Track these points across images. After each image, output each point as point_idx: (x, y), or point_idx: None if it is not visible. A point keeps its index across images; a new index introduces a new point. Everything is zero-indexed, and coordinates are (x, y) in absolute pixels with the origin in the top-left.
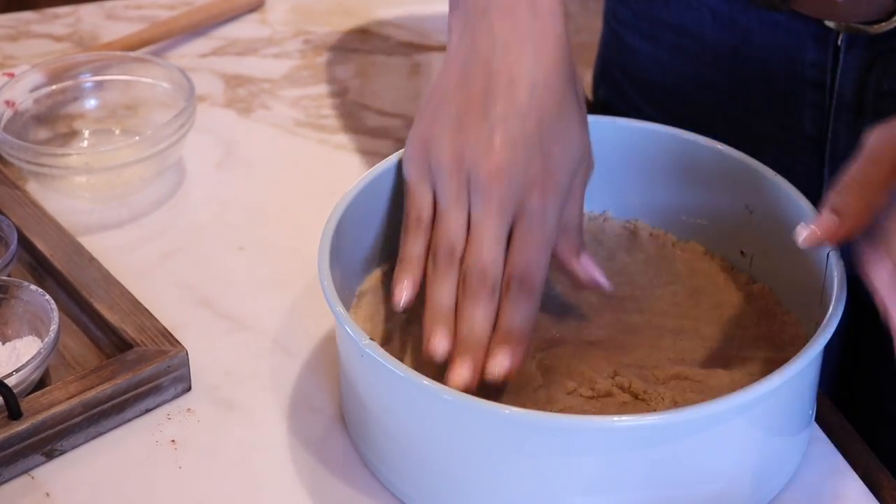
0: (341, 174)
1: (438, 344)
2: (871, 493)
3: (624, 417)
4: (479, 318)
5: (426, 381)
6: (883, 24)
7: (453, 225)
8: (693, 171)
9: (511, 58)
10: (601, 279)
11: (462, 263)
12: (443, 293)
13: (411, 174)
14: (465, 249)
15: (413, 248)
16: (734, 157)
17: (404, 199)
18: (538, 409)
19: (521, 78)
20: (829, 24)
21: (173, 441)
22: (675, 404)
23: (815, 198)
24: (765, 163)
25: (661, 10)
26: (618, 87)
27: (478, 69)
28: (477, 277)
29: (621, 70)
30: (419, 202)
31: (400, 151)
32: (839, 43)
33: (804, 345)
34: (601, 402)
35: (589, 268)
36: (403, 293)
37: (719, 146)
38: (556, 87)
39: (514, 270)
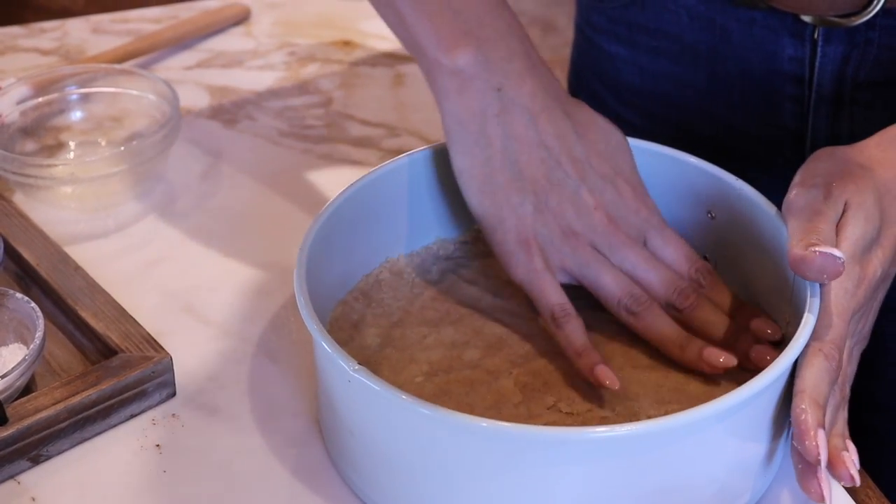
0: (325, 184)
1: (713, 354)
2: (849, 496)
3: (602, 428)
4: (714, 317)
5: (404, 396)
6: (858, 16)
7: (618, 281)
8: (655, 179)
9: (546, 120)
10: None
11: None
12: (670, 329)
13: (530, 275)
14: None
15: (581, 338)
16: (694, 164)
17: (533, 300)
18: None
19: (565, 132)
20: (806, 18)
21: (158, 446)
22: (657, 413)
23: None
24: (746, 158)
25: (637, 15)
26: (594, 95)
27: (526, 147)
28: (682, 296)
29: (597, 76)
30: (553, 297)
31: (376, 168)
32: (816, 37)
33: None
34: (582, 417)
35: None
36: (611, 378)
37: (678, 154)
38: (585, 118)
39: (688, 268)
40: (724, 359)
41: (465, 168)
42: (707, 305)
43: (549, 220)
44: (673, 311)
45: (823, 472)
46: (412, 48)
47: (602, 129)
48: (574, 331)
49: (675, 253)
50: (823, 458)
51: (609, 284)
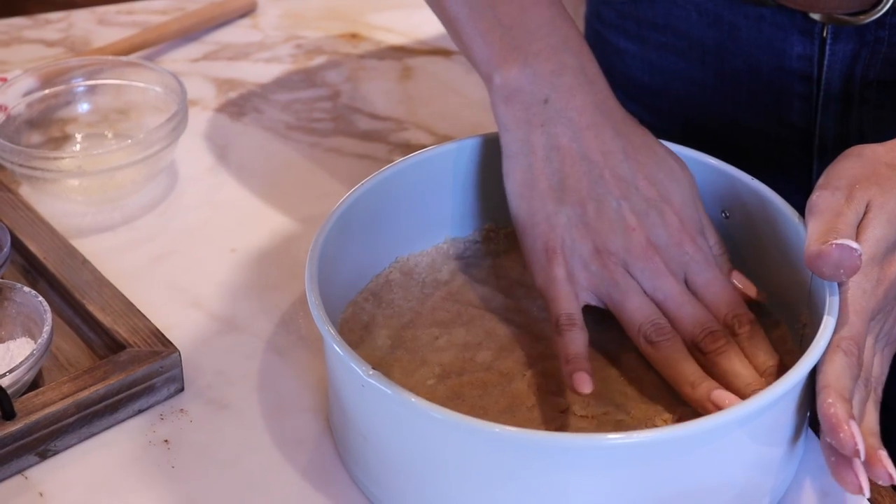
0: (332, 178)
1: (721, 396)
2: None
3: (618, 435)
4: (740, 368)
5: (418, 401)
6: (868, 14)
7: (643, 308)
8: None
9: (593, 135)
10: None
11: (673, 330)
12: (686, 365)
13: (548, 282)
14: (669, 320)
15: (576, 347)
16: (708, 163)
17: (547, 308)
18: (534, 428)
19: (613, 150)
20: (815, 16)
21: (166, 441)
22: (673, 419)
23: (806, 187)
24: (755, 156)
25: (646, 10)
26: None
27: (569, 159)
28: (710, 338)
29: (606, 72)
30: (566, 305)
31: (386, 167)
32: (825, 35)
33: (790, 346)
34: (597, 421)
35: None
36: (585, 385)
37: (692, 152)
38: (639, 140)
39: (725, 314)
40: (731, 402)
41: (509, 171)
42: (735, 356)
43: (582, 234)
44: (698, 352)
45: (859, 463)
46: (470, 62)
47: (656, 154)
48: (573, 339)
49: (715, 295)
50: (861, 447)
51: (633, 309)
